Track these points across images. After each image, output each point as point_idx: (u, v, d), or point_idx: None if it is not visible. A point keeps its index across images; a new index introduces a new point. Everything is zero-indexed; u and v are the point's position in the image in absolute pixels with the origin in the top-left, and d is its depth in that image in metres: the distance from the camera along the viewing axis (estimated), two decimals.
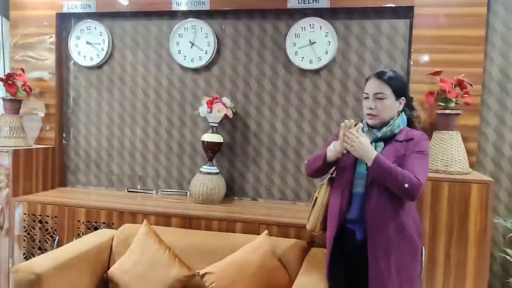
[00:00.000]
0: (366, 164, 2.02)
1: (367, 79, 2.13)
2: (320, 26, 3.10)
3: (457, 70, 2.80)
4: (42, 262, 2.23)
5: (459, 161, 2.64)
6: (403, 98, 2.09)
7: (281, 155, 3.24)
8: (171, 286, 2.41)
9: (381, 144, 2.08)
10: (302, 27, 3.13)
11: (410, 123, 2.15)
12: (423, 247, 2.49)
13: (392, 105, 2.06)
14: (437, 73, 2.73)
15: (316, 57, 3.12)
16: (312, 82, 3.17)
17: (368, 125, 2.13)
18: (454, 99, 2.68)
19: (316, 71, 3.16)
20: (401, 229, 2.02)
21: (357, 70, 3.10)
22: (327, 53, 3.10)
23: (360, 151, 1.97)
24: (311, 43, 3.12)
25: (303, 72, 3.18)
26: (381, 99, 2.05)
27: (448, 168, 2.63)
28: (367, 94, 2.09)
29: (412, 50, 2.94)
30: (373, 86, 2.07)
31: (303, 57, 3.14)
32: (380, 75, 2.07)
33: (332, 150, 2.09)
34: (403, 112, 2.12)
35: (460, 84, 2.69)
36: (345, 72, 3.12)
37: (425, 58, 2.90)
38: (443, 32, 2.86)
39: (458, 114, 2.70)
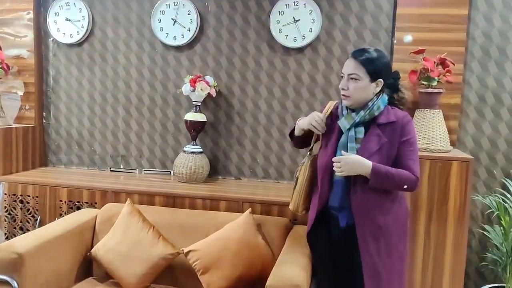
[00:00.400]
0: (348, 150, 2.01)
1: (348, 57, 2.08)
2: (304, 4, 3.07)
3: (440, 49, 2.81)
4: (23, 241, 2.20)
5: (440, 139, 2.68)
6: (380, 80, 2.01)
7: (265, 134, 3.24)
8: (155, 264, 2.42)
9: (362, 129, 2.03)
10: (286, 4, 3.10)
11: (392, 105, 2.10)
12: None
13: (366, 87, 2.00)
14: (420, 52, 2.74)
15: (300, 35, 3.10)
16: (296, 60, 3.16)
17: (347, 108, 2.08)
18: (436, 78, 2.69)
19: (300, 49, 3.14)
20: (389, 213, 2.03)
21: (341, 49, 3.09)
22: (311, 31, 3.08)
23: (354, 169, 1.94)
24: (295, 21, 3.09)
25: (287, 50, 3.16)
26: (355, 79, 2.00)
27: (430, 146, 2.66)
28: (343, 73, 2.05)
29: (395, 28, 2.94)
30: (348, 66, 2.02)
31: (287, 35, 3.11)
32: (356, 55, 2.01)
33: (298, 126, 2.13)
34: (383, 93, 2.05)
35: (442, 62, 2.70)
36: (329, 50, 3.11)
37: (409, 36, 2.90)
38: (427, 11, 2.86)
39: (440, 92, 2.72)
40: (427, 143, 2.67)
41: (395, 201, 2.06)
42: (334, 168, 1.98)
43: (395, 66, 2.90)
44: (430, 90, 2.72)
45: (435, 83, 2.70)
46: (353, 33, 3.07)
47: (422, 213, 2.55)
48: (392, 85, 2.10)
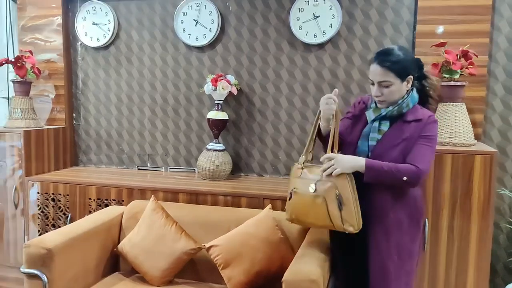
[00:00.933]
0: (368, 141, 2.02)
1: (370, 62, 2.03)
2: (324, 0, 3.07)
3: (463, 41, 2.76)
4: (53, 237, 2.31)
5: (463, 133, 2.63)
6: (410, 76, 2.00)
7: (286, 131, 3.26)
8: (178, 259, 2.48)
9: (387, 122, 2.03)
10: (305, 1, 3.10)
11: (425, 96, 2.11)
12: (426, 219, 2.51)
13: (399, 89, 1.99)
14: (441, 45, 2.69)
15: (321, 31, 3.10)
16: (317, 56, 3.16)
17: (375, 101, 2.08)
18: (458, 71, 2.64)
19: (321, 45, 3.14)
20: (401, 211, 2.01)
21: (362, 44, 3.08)
22: (331, 27, 3.08)
23: (347, 166, 1.94)
24: (315, 17, 3.09)
25: (308, 46, 3.17)
26: (386, 86, 1.98)
27: (452, 140, 2.62)
28: (372, 80, 2.02)
29: (417, 21, 2.90)
30: (376, 74, 1.98)
31: (307, 32, 3.12)
32: (382, 62, 1.96)
33: (321, 122, 2.08)
34: (413, 90, 2.05)
35: (465, 55, 2.65)
36: (350, 45, 3.10)
37: (440, 28, 2.84)
38: (449, 2, 2.81)
39: (463, 85, 2.67)
40: (449, 137, 2.63)
41: (409, 199, 2.03)
42: (325, 166, 1.97)
43: None
44: (452, 83, 2.67)
45: (457, 76, 2.65)
46: (373, 27, 3.05)
47: (445, 208, 2.51)
48: (419, 77, 2.09)
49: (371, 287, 2.05)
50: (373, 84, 2.02)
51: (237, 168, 3.38)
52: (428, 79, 2.13)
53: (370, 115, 2.07)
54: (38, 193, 3.20)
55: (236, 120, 3.34)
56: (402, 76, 1.98)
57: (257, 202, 2.77)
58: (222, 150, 3.23)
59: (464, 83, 2.66)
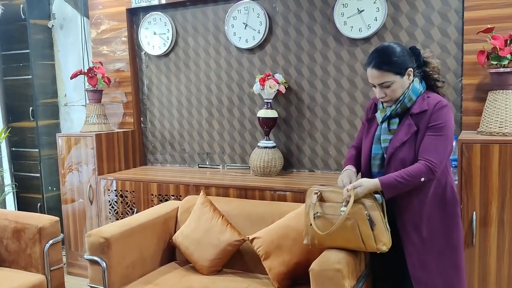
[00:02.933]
0: (381, 143, 2.04)
1: (365, 66, 2.04)
2: None
3: None
4: (111, 228, 2.58)
5: None
6: (409, 69, 1.98)
7: (335, 127, 3.29)
8: (223, 250, 2.64)
9: (396, 120, 2.04)
10: None
11: (431, 81, 2.06)
12: (474, 213, 2.43)
13: (401, 84, 1.98)
14: (488, 30, 2.58)
15: (366, 25, 3.10)
16: (363, 50, 3.16)
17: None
18: (508, 56, 2.51)
19: (367, 39, 3.14)
20: (427, 200, 1.99)
21: (408, 34, 3.02)
22: (376, 20, 3.06)
23: (365, 190, 1.96)
24: (360, 11, 3.10)
25: (353, 41, 3.18)
26: (387, 86, 1.97)
27: (502, 130, 2.50)
28: (372, 84, 2.02)
29: (465, 8, 2.79)
30: (375, 77, 1.99)
31: (352, 26, 3.13)
32: (377, 65, 1.96)
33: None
34: (413, 81, 2.01)
35: None
36: (396, 37, 3.06)
37: (479, 15, 2.73)
38: None
39: None
40: (499, 127, 2.51)
41: (436, 191, 2.00)
42: (350, 204, 1.97)
43: (466, 47, 2.79)
44: (501, 70, 2.54)
45: (505, 62, 2.52)
46: (420, 17, 2.98)
47: (494, 201, 2.40)
48: (419, 63, 2.05)
49: (414, 282, 2.05)
50: (374, 86, 2.02)
51: (289, 164, 3.47)
52: (429, 64, 2.06)
53: (378, 117, 2.09)
54: (108, 190, 3.55)
55: (287, 117, 3.44)
56: (401, 72, 1.97)
57: (301, 197, 2.85)
58: (273, 147, 3.34)
59: None
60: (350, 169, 2.18)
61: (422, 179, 1.91)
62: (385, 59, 1.96)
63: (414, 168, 1.92)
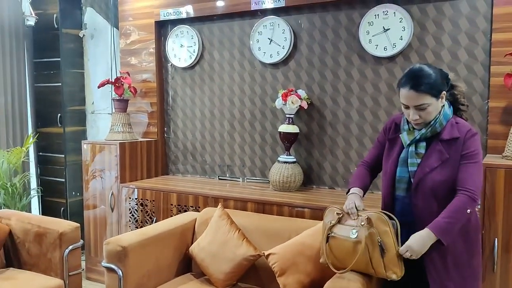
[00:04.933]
0: (408, 167, 2.01)
1: (399, 85, 1.99)
2: (394, 12, 3.05)
3: None
4: (129, 237, 2.62)
5: None
6: (443, 92, 1.96)
7: (357, 144, 3.27)
8: (239, 264, 2.64)
9: (423, 144, 2.00)
10: (375, 15, 3.11)
11: (457, 104, 2.04)
12: (495, 239, 2.37)
13: (436, 107, 1.95)
14: None
15: (391, 44, 3.08)
16: (388, 69, 3.14)
17: (408, 122, 2.05)
18: None
19: (391, 58, 3.12)
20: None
21: (434, 54, 2.99)
22: (401, 39, 3.05)
23: (423, 248, 1.90)
24: (385, 30, 3.09)
25: (378, 59, 3.16)
26: (424, 109, 1.93)
27: None
28: (406, 104, 1.97)
29: (493, 29, 2.76)
30: (411, 98, 1.93)
31: (377, 45, 3.12)
32: (416, 86, 1.91)
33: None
34: (444, 106, 1.99)
35: None
36: (422, 57, 3.03)
37: (507, 37, 2.69)
38: None
39: None
40: None
41: None
42: (407, 255, 1.93)
43: (493, 69, 2.75)
44: None
45: None
46: (447, 37, 2.95)
47: None
48: (448, 87, 2.03)
49: None
50: (407, 107, 1.97)
51: (309, 180, 3.46)
52: (456, 87, 2.05)
53: (405, 138, 2.04)
54: (130, 198, 3.60)
55: (308, 133, 3.44)
56: (437, 95, 1.94)
57: (320, 214, 2.82)
58: (293, 162, 3.34)
59: None
60: (356, 192, 2.16)
61: (468, 210, 1.88)
62: (423, 81, 1.92)
63: (458, 203, 1.88)
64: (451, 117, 2.01)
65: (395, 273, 1.95)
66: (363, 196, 2.21)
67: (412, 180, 2.00)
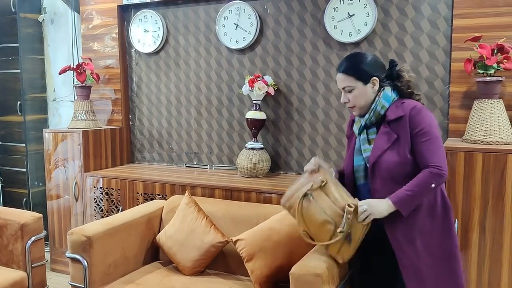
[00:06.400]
0: (362, 154, 2.04)
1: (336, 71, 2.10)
2: None
3: (502, 34, 2.63)
4: (93, 227, 2.57)
5: (499, 131, 2.52)
6: (374, 78, 2.00)
7: (323, 130, 3.29)
8: (206, 251, 2.64)
9: (373, 129, 2.04)
10: (340, 0, 3.12)
11: (405, 94, 2.05)
12: (455, 220, 2.44)
13: (363, 92, 2.00)
14: (475, 39, 2.59)
15: (356, 30, 3.10)
16: None
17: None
18: (494, 65, 2.53)
19: (356, 44, 3.14)
20: (421, 211, 1.96)
21: (398, 40, 3.03)
22: (366, 25, 3.07)
23: (381, 211, 1.92)
24: (350, 16, 3.10)
25: (343, 45, 3.18)
26: (349, 91, 2.02)
27: (487, 138, 2.52)
28: (339, 89, 2.08)
29: (453, 16, 2.81)
30: (339, 80, 2.05)
31: (342, 31, 3.14)
32: (339, 69, 2.04)
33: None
34: (384, 89, 2.01)
35: (501, 49, 2.53)
36: (386, 43, 3.07)
37: (468, 23, 2.75)
38: None
39: (499, 81, 2.55)
40: (484, 135, 2.53)
41: (428, 198, 1.97)
42: (361, 216, 1.94)
43: (454, 55, 2.81)
44: (488, 79, 2.56)
45: (492, 71, 2.54)
46: (410, 23, 2.99)
47: (476, 208, 2.42)
48: (390, 75, 2.05)
49: None
50: (341, 92, 2.06)
51: (277, 166, 3.47)
52: (401, 78, 2.04)
53: (355, 129, 2.10)
54: (94, 187, 3.53)
55: (275, 119, 3.44)
56: (363, 79, 1.99)
57: None
58: (260, 148, 3.34)
59: (500, 78, 2.55)
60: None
61: (433, 185, 1.88)
62: (351, 65, 2.02)
63: (421, 176, 1.90)
64: (396, 99, 2.02)
65: (343, 259, 2.07)
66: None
67: (368, 165, 2.02)
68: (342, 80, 2.03)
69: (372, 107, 2.01)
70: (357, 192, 2.10)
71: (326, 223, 1.99)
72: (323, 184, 2.01)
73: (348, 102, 2.04)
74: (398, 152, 1.94)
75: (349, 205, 1.94)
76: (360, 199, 2.01)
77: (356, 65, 2.02)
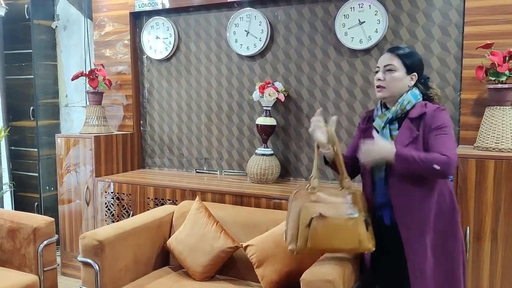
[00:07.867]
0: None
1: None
2: (369, 5, 3.08)
3: None
4: (105, 231, 2.59)
5: (511, 138, 2.50)
6: (415, 73, 2.06)
7: None
8: (217, 256, 2.64)
9: (395, 125, 2.06)
10: (351, 8, 3.14)
11: (428, 100, 2.10)
12: (468, 227, 2.43)
13: (401, 78, 2.04)
14: (487, 46, 2.59)
15: (366, 37, 3.11)
16: (363, 61, 3.17)
17: (381, 108, 2.12)
18: (506, 72, 2.52)
19: (367, 51, 3.15)
20: (432, 209, 1.99)
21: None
22: (376, 32, 3.08)
23: (376, 154, 1.96)
24: (361, 23, 3.11)
25: (354, 52, 3.19)
26: (390, 70, 2.04)
27: (499, 146, 2.51)
28: (378, 67, 2.10)
29: (465, 22, 2.81)
30: (383, 59, 2.09)
31: (353, 38, 3.15)
32: (392, 50, 2.09)
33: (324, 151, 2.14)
34: (415, 88, 2.08)
35: None
36: None
37: (479, 30, 2.75)
38: (499, 1, 2.70)
39: (511, 88, 2.54)
40: (495, 142, 2.52)
41: (440, 196, 2.00)
42: (363, 156, 2.00)
43: (465, 62, 2.81)
44: (499, 86, 2.55)
45: (504, 78, 2.53)
46: (420, 30, 2.99)
47: (488, 216, 2.41)
48: (423, 84, 2.12)
49: None
50: (377, 71, 2.09)
51: (287, 173, 3.48)
52: (432, 89, 2.13)
53: (378, 123, 2.10)
54: (105, 192, 3.56)
55: (285, 125, 3.45)
56: (408, 68, 2.05)
57: None
58: (270, 154, 3.35)
59: None
60: None
61: (437, 166, 1.87)
62: (404, 52, 2.07)
63: (434, 154, 1.90)
64: (420, 100, 2.07)
65: (373, 244, 2.05)
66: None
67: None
68: (388, 59, 2.07)
69: (399, 100, 2.05)
70: (374, 186, 2.12)
71: (347, 221, 2.01)
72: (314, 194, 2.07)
73: (383, 80, 2.06)
74: (417, 148, 1.97)
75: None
76: (377, 194, 2.09)
77: (408, 53, 2.07)
